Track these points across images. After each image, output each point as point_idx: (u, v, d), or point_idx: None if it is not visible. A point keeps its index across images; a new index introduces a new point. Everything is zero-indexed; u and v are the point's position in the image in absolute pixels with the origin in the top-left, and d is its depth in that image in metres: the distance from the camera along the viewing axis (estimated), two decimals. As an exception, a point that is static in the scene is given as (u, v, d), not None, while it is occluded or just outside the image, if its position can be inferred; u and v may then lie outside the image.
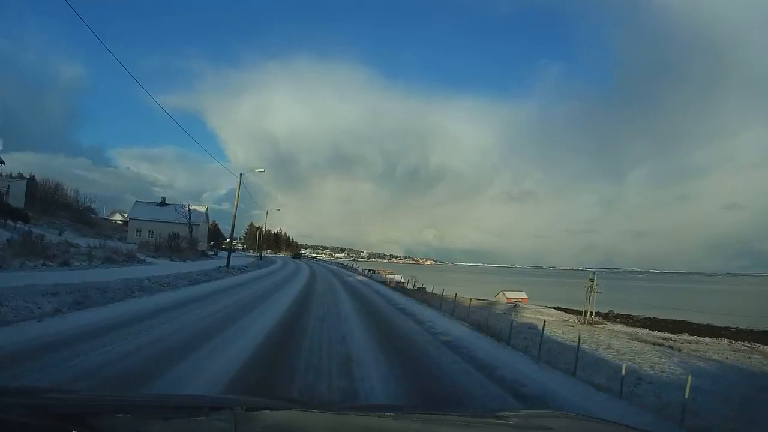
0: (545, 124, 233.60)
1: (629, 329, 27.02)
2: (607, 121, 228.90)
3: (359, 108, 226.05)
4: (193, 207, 44.94)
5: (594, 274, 34.53)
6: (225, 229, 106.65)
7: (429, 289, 25.64)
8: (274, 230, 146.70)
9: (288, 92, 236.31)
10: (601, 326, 27.43)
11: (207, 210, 57.07)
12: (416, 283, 45.94)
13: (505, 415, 1.60)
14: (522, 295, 45.27)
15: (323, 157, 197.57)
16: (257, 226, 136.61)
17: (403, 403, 4.99)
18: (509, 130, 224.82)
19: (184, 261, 29.40)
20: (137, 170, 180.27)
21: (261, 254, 63.18)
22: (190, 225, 41.09)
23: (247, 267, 32.24)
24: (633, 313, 37.24)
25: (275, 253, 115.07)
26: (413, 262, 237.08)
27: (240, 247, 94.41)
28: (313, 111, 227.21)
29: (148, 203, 52.10)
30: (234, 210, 32.10)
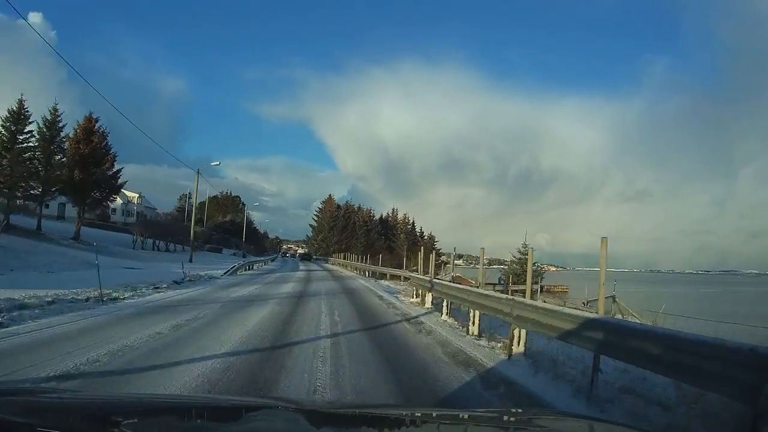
0: (653, 122, 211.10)
1: None
2: (716, 116, 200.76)
3: (468, 111, 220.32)
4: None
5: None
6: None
7: None
8: (380, 214, 69.67)
9: (395, 98, 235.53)
10: None
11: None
12: None
13: (505, 416, 1.56)
14: None
15: (433, 162, 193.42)
16: (334, 202, 66.26)
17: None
18: (618, 128, 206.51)
19: None
20: (245, 180, 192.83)
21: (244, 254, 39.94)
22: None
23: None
24: None
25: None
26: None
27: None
28: (421, 116, 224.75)
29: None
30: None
